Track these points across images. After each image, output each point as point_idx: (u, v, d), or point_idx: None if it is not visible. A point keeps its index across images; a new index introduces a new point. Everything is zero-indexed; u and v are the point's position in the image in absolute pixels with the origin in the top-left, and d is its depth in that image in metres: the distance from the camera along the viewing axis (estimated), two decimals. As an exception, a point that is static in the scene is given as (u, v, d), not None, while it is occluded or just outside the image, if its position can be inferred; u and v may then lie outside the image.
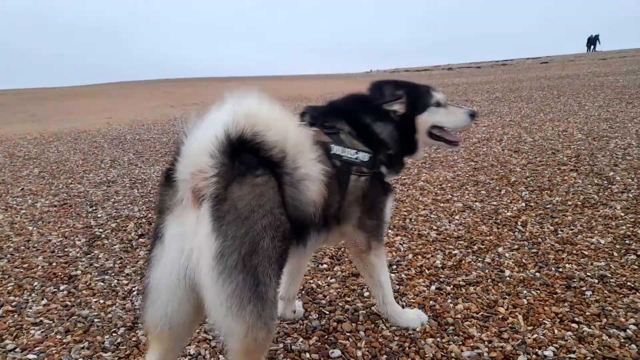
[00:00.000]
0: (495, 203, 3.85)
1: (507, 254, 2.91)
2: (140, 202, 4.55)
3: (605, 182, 4.13)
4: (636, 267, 2.62)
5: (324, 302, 2.51)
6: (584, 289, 2.43)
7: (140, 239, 3.57)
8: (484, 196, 4.05)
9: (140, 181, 5.44)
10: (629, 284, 2.44)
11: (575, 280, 2.53)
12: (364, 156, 1.93)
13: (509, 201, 3.86)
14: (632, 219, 3.26)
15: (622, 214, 3.37)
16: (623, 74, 15.17)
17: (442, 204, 3.94)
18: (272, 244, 1.40)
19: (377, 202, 2.01)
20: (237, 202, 1.35)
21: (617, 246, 2.89)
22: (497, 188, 4.24)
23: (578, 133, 6.26)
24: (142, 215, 4.13)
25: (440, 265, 2.84)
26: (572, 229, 3.19)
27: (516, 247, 3.01)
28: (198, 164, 1.37)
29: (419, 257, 2.97)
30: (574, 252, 2.87)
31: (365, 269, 2.13)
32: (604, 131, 6.22)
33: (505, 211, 3.65)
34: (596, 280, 2.50)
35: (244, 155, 1.40)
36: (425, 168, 5.20)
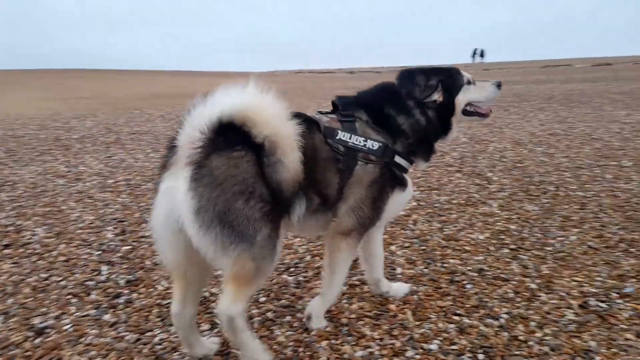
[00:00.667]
0: (389, 203, 4.00)
1: (399, 252, 3.03)
2: (8, 208, 4.00)
3: (485, 182, 4.52)
4: (509, 259, 2.88)
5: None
6: (465, 282, 2.61)
7: (6, 250, 3.12)
8: (380, 196, 4.20)
9: (9, 183, 4.79)
10: (502, 275, 2.67)
11: (457, 274, 2.70)
12: (372, 144, 2.00)
13: (402, 201, 4.04)
14: (506, 216, 3.59)
15: (498, 211, 3.70)
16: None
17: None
18: (246, 205, 1.64)
19: (381, 193, 2.05)
20: (213, 170, 1.63)
21: (493, 241, 3.15)
22: (392, 188, 4.42)
23: (463, 137, 6.80)
24: (9, 223, 3.62)
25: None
26: (455, 226, 3.43)
27: (407, 244, 3.15)
28: (192, 136, 1.66)
29: (317, 258, 2.97)
30: (457, 247, 3.07)
31: (329, 248, 2.14)
32: (485, 135, 6.85)
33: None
34: (475, 274, 2.70)
35: (229, 134, 1.66)
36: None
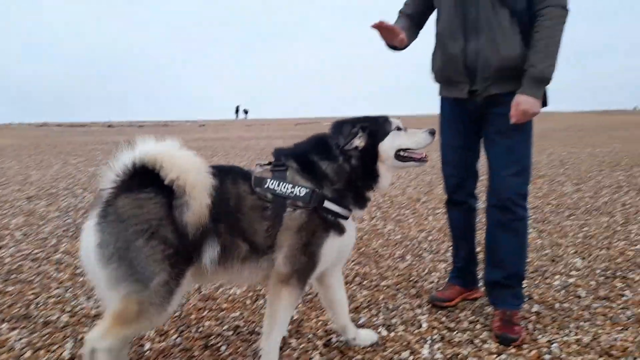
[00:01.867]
0: (142, 268, 3.64)
1: (149, 324, 2.72)
2: None
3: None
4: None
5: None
6: (220, 344, 2.49)
7: None
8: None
9: None
10: (257, 329, 2.66)
11: (213, 337, 2.57)
12: (300, 191, 2.06)
13: (157, 264, 3.73)
14: (262, 266, 3.69)
15: (255, 262, 3.77)
16: (262, 138, 18.30)
17: (82, 278, 3.42)
18: (146, 244, 1.75)
19: (312, 239, 2.07)
20: (118, 209, 1.78)
21: (250, 294, 3.16)
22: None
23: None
24: None
25: (68, 357, 2.37)
26: (214, 284, 3.32)
27: (160, 313, 2.86)
28: (110, 178, 1.87)
29: (42, 351, 2.40)
30: (215, 307, 2.96)
31: (271, 297, 2.14)
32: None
33: (153, 275, 3.49)
34: (231, 332, 2.62)
35: (142, 177, 1.82)
36: (67, 236, 4.51)
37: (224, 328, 2.67)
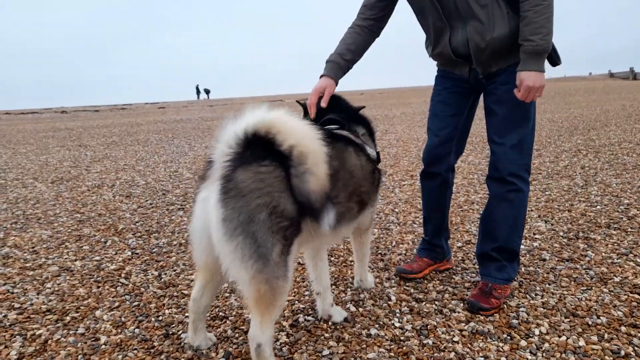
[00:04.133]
0: (98, 258, 3.44)
1: (105, 317, 2.56)
2: None
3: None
4: (227, 294, 2.79)
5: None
6: (181, 332, 2.36)
7: None
8: (87, 252, 3.58)
9: None
10: (221, 314, 2.55)
11: (174, 325, 2.44)
12: (374, 153, 2.43)
13: (114, 253, 3.54)
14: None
15: (219, 245, 3.63)
16: (227, 119, 17.75)
17: (32, 272, 3.21)
18: (269, 217, 1.74)
19: (378, 188, 2.50)
20: (239, 183, 1.74)
21: (213, 278, 3.03)
22: (103, 240, 3.85)
23: (187, 172, 6.67)
24: None
25: (16, 357, 2.19)
26: (175, 270, 3.17)
27: (117, 304, 2.70)
28: (223, 151, 1.81)
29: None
30: (175, 294, 2.82)
31: (359, 242, 2.65)
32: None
33: (109, 265, 3.30)
34: (193, 319, 2.49)
35: (256, 147, 1.78)
36: (16, 229, 4.23)
37: (185, 316, 2.54)
